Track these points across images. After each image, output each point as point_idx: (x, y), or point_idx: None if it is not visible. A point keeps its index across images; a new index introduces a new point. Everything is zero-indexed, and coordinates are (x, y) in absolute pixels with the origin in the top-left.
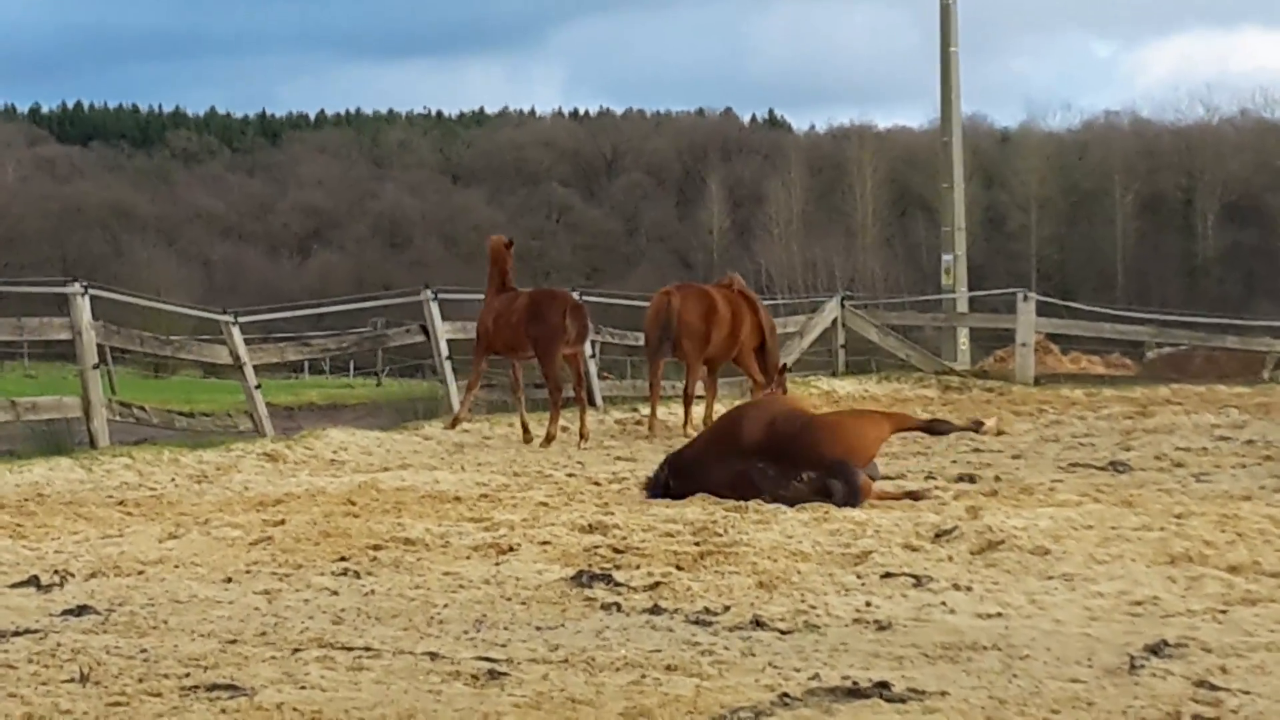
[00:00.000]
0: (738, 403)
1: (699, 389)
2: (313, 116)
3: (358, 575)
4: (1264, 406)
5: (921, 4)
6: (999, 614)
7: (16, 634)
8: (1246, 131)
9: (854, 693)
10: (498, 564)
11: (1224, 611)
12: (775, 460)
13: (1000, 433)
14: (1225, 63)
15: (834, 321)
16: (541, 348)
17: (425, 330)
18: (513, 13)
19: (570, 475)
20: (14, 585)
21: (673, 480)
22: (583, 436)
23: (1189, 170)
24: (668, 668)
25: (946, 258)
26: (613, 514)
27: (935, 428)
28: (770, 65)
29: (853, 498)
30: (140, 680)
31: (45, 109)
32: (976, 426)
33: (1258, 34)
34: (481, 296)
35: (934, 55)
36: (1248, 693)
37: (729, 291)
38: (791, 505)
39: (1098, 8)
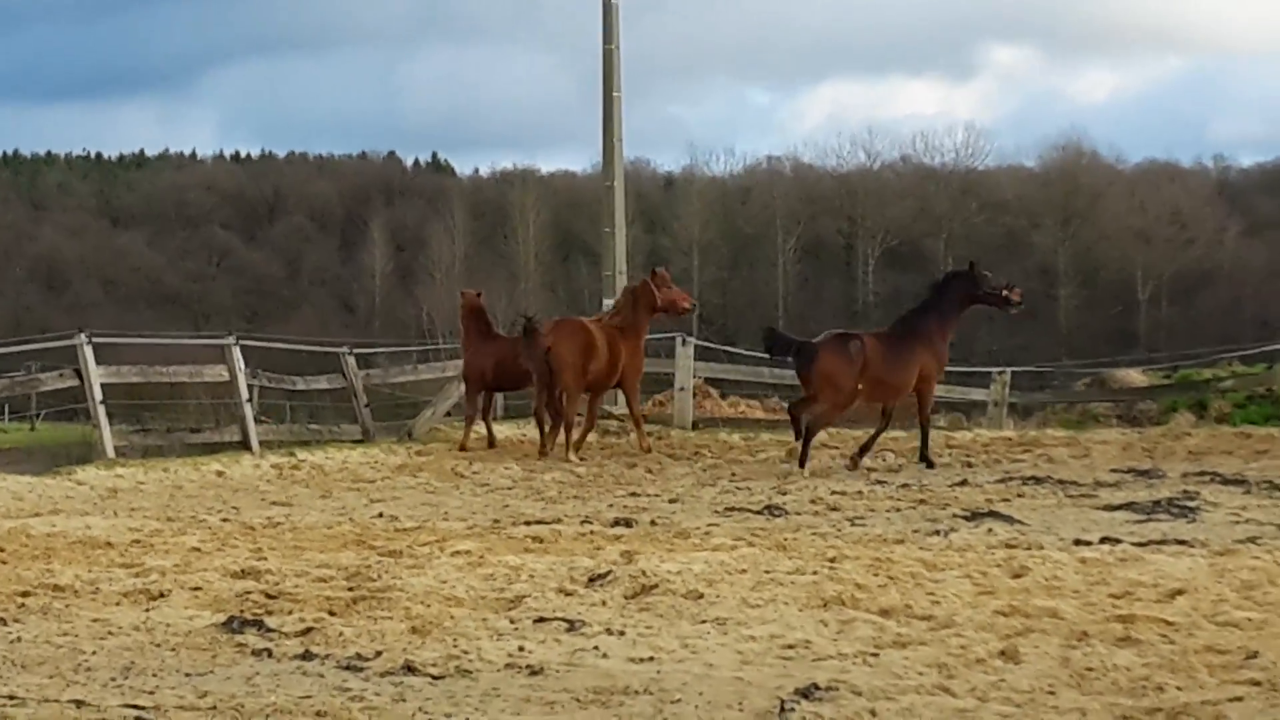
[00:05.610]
0: None
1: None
2: None
3: (4, 623)
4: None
5: (581, 48)
6: (651, 658)
7: None
8: (907, 177)
9: None
10: (148, 610)
11: (875, 654)
12: None
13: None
14: (877, 109)
15: None
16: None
17: (79, 374)
18: (168, 55)
19: (224, 520)
20: None
21: None
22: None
23: (850, 215)
24: (317, 714)
25: (608, 302)
26: (266, 559)
27: None
28: (432, 109)
29: None
30: None
31: None
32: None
33: (904, 81)
34: (137, 339)
35: (596, 99)
36: None
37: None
38: None
39: (746, 57)
